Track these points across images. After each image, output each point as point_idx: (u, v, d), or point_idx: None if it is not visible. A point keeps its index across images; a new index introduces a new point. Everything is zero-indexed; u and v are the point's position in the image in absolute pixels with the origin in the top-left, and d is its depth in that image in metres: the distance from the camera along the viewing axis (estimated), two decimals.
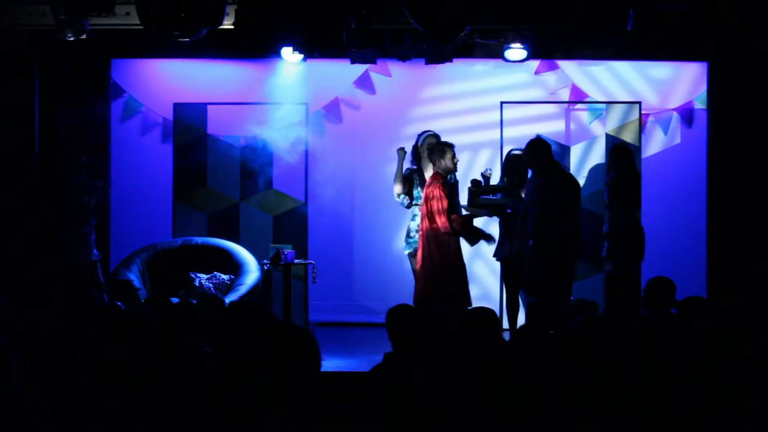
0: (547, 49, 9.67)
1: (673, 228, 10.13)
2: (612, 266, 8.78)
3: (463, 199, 8.98)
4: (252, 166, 9.88)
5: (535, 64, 10.10)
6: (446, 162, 8.46)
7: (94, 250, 9.02)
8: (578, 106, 10.17)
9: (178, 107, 10.03)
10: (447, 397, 4.45)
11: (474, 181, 8.97)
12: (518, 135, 9.84)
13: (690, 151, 10.20)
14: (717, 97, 9.85)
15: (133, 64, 10.35)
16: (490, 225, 9.31)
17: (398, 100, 10.40)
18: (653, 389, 4.60)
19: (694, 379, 4.72)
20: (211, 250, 9.51)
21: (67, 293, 7.87)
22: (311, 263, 9.18)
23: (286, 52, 8.90)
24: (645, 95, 10.23)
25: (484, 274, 10.21)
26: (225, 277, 9.29)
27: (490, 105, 10.19)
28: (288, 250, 8.78)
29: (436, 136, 9.06)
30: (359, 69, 10.02)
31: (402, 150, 9.18)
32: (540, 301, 8.11)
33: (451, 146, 8.52)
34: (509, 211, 8.77)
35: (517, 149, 9.00)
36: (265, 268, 8.95)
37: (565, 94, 10.25)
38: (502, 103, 10.01)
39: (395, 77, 10.23)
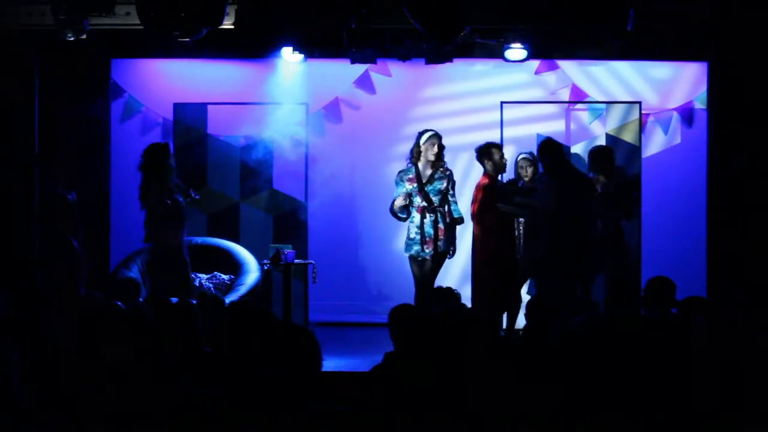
0: (547, 49, 9.66)
1: (673, 228, 10.14)
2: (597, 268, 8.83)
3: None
4: (252, 166, 9.88)
5: (535, 64, 10.10)
6: (495, 161, 8.58)
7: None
8: (578, 106, 10.17)
9: (178, 107, 10.03)
10: (447, 397, 4.45)
11: (511, 181, 9.00)
12: (518, 135, 9.84)
13: (690, 151, 10.20)
14: (717, 97, 9.83)
15: (133, 64, 10.35)
16: None
17: (398, 100, 10.40)
18: (653, 389, 4.59)
19: (694, 379, 4.72)
20: (211, 250, 9.51)
21: (67, 293, 7.88)
22: (311, 263, 9.17)
23: (286, 52, 8.89)
24: (645, 95, 10.23)
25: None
26: (225, 277, 9.28)
27: (490, 105, 10.18)
28: (288, 250, 8.77)
29: (437, 136, 9.04)
30: (359, 69, 10.02)
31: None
32: (540, 300, 8.10)
33: (498, 146, 8.69)
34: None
35: (525, 153, 9.05)
36: (265, 268, 8.94)
37: (565, 94, 10.25)
38: (502, 103, 10.01)
39: (395, 77, 10.23)
